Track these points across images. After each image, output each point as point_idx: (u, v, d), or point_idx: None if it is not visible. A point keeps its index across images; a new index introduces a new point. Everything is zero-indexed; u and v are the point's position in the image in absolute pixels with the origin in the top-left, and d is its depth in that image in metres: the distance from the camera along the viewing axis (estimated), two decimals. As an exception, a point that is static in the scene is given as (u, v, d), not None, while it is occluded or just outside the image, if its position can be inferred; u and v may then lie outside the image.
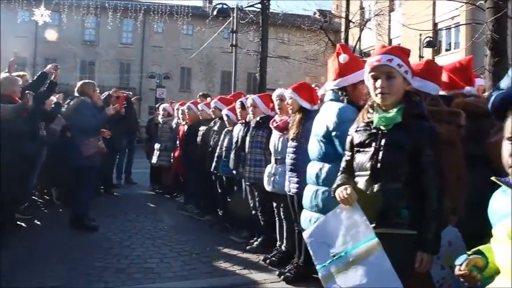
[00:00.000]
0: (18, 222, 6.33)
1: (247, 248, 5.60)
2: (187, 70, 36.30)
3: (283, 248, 5.15)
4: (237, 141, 5.94)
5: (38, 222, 6.68)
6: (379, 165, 2.53)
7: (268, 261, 5.08)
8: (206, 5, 29.34)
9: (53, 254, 5.28)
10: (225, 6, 15.66)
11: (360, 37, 20.25)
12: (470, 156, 3.21)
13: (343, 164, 2.80)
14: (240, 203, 6.04)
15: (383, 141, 2.54)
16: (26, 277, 4.53)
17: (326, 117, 3.38)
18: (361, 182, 2.60)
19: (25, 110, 5.78)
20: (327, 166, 3.32)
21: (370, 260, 2.43)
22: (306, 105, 4.53)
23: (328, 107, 3.43)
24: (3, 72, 6.38)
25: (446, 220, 2.80)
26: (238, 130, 6.05)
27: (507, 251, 1.64)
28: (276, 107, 5.08)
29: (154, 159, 9.54)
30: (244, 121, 5.97)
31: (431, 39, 20.55)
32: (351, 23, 19.62)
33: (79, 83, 7.09)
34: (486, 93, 4.24)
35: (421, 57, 19.81)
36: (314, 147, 3.47)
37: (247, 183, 5.70)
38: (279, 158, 4.99)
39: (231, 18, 15.93)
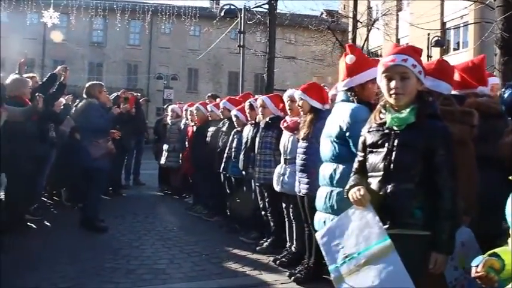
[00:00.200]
0: (28, 223, 6.35)
1: (257, 249, 5.58)
2: (195, 71, 36.36)
3: (293, 248, 5.14)
4: (247, 141, 5.93)
5: (48, 223, 6.71)
6: (392, 165, 2.51)
7: (278, 262, 5.07)
8: (213, 5, 29.33)
9: (63, 255, 5.29)
10: (232, 7, 15.67)
11: (367, 37, 20.20)
12: (481, 157, 3.19)
13: (355, 165, 2.78)
14: (249, 204, 6.03)
15: (396, 142, 2.52)
16: (36, 278, 4.54)
17: (338, 117, 3.35)
18: (374, 182, 2.58)
19: (35, 112, 5.80)
20: (341, 167, 3.30)
21: (383, 261, 2.41)
22: (317, 105, 4.51)
23: (340, 108, 3.41)
24: (13, 73, 6.40)
25: (460, 220, 2.78)
26: (248, 131, 6.04)
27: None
28: (287, 107, 5.06)
29: (162, 160, 9.54)
30: (254, 122, 5.96)
31: (439, 38, 20.47)
32: (358, 23, 19.58)
33: (86, 85, 7.11)
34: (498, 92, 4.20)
35: (429, 56, 19.72)
36: (327, 148, 3.45)
37: (257, 183, 5.69)
38: (288, 158, 4.98)
39: (239, 19, 15.94)
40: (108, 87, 7.46)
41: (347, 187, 2.67)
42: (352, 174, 2.76)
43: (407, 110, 2.52)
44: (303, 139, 4.52)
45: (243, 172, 6.02)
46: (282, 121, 5.14)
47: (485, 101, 3.45)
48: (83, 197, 6.78)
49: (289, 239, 5.25)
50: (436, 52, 21.43)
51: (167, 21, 30.43)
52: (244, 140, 6.05)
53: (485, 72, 3.88)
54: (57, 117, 6.73)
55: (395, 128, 2.54)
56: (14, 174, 5.39)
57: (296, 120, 4.87)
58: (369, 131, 2.70)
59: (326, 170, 3.44)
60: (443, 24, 23.11)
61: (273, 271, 4.90)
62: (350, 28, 20.52)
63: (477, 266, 1.83)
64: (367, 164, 2.67)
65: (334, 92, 4.70)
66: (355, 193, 2.53)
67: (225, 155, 6.55)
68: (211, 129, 7.36)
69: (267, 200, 5.58)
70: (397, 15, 25.00)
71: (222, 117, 7.19)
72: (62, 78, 6.65)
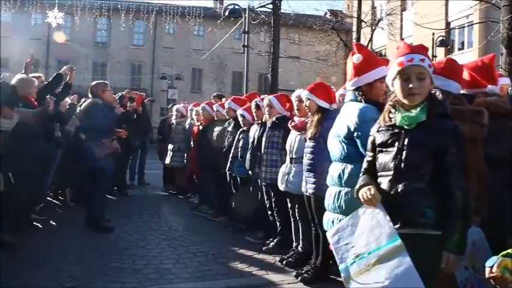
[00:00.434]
0: (34, 223, 6.36)
1: (263, 248, 5.57)
2: (199, 71, 36.33)
3: (299, 248, 5.12)
4: (253, 141, 5.92)
5: (54, 223, 6.71)
6: (402, 164, 2.49)
7: (284, 262, 5.06)
8: (217, 5, 29.34)
9: (69, 254, 5.28)
10: (236, 7, 15.66)
11: (371, 37, 20.17)
12: (491, 157, 3.17)
13: (364, 165, 2.77)
14: (255, 204, 6.02)
15: (406, 141, 2.50)
16: (42, 277, 4.54)
17: (347, 117, 3.34)
18: (384, 182, 2.57)
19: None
20: (349, 167, 3.28)
21: (393, 261, 2.40)
22: (324, 104, 4.50)
23: (349, 108, 3.40)
24: (19, 73, 6.41)
25: (471, 220, 2.76)
26: (254, 130, 6.03)
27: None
28: (295, 107, 5.05)
29: (167, 160, 9.54)
30: (260, 121, 5.95)
31: (444, 38, 20.40)
32: (362, 23, 19.54)
33: (91, 84, 7.11)
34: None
35: (434, 56, 19.66)
36: (336, 148, 3.43)
37: (263, 183, 5.67)
38: (294, 157, 4.96)
39: (243, 18, 15.93)
40: (112, 87, 7.44)
41: (357, 187, 2.65)
42: (361, 174, 2.75)
43: (418, 108, 2.50)
44: (310, 139, 4.51)
45: (250, 172, 6.01)
46: (290, 121, 5.13)
47: (494, 101, 3.43)
48: (88, 197, 6.78)
49: (296, 239, 5.23)
50: (440, 52, 21.37)
51: (171, 21, 30.40)
52: (250, 140, 6.03)
53: (495, 71, 3.86)
54: (62, 117, 6.73)
55: (405, 126, 2.52)
56: (20, 173, 5.39)
57: (304, 120, 4.85)
58: (378, 131, 2.68)
59: (335, 170, 3.43)
60: (447, 24, 23.05)
61: (280, 271, 4.89)
62: (354, 28, 20.46)
63: (491, 267, 1.81)
64: (376, 163, 2.65)
65: (342, 91, 4.68)
66: (365, 192, 2.52)
67: (231, 155, 6.54)
68: (217, 129, 7.35)
69: (273, 199, 5.57)
70: (402, 14, 24.93)
71: (227, 117, 7.18)
72: (68, 78, 6.65)
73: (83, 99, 7.45)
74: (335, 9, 28.04)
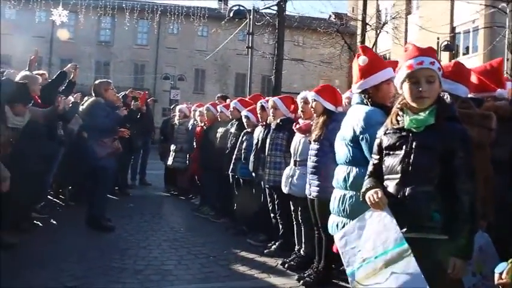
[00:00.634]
0: (35, 221, 6.33)
1: (265, 251, 5.52)
2: (202, 72, 36.33)
3: (302, 252, 5.08)
4: (257, 143, 5.88)
5: (54, 222, 6.69)
6: (410, 168, 2.46)
7: (286, 265, 5.01)
8: (222, 6, 29.34)
9: (70, 254, 5.25)
10: (241, 8, 15.64)
11: (376, 40, 20.14)
12: (498, 161, 3.15)
13: (370, 168, 2.73)
14: (257, 206, 5.98)
15: (414, 144, 2.47)
16: (43, 276, 4.51)
17: (353, 120, 3.31)
18: (391, 185, 2.54)
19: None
20: (354, 170, 3.26)
21: (400, 266, 2.38)
22: (330, 106, 4.47)
23: (355, 111, 3.36)
24: (23, 70, 6.39)
25: (478, 225, 2.72)
26: (258, 132, 5.99)
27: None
28: (300, 109, 5.01)
29: (169, 161, 9.51)
30: (264, 123, 5.92)
31: (449, 43, 20.35)
32: (367, 26, 19.51)
33: (95, 83, 7.08)
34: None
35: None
36: (342, 151, 3.40)
37: (267, 185, 5.63)
38: (298, 160, 4.92)
39: (247, 20, 15.91)
40: (115, 87, 7.41)
41: (363, 190, 2.62)
42: (366, 177, 2.72)
43: (427, 111, 2.47)
44: (314, 141, 4.47)
45: (253, 174, 5.97)
46: (295, 123, 5.09)
47: (503, 105, 3.40)
48: (89, 196, 6.75)
49: (298, 242, 5.19)
50: (445, 56, 21.33)
51: (175, 22, 30.45)
52: (254, 142, 5.99)
53: (503, 75, 3.84)
54: (65, 115, 6.70)
55: (413, 129, 2.49)
56: (23, 172, 5.36)
57: (309, 122, 4.81)
58: (385, 133, 2.64)
59: (340, 173, 3.40)
60: (452, 28, 23.00)
61: (282, 274, 4.84)
62: (359, 31, 20.46)
63: (501, 273, 1.77)
64: (383, 166, 2.62)
65: (348, 94, 4.64)
66: (372, 196, 2.49)
67: (234, 156, 6.50)
68: (220, 130, 7.32)
69: (276, 202, 5.53)
70: (407, 18, 24.89)
71: (231, 118, 7.14)
72: (72, 76, 6.62)
73: (85, 98, 7.42)
74: (340, 12, 28.09)
